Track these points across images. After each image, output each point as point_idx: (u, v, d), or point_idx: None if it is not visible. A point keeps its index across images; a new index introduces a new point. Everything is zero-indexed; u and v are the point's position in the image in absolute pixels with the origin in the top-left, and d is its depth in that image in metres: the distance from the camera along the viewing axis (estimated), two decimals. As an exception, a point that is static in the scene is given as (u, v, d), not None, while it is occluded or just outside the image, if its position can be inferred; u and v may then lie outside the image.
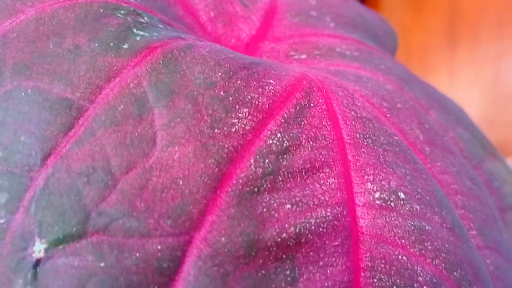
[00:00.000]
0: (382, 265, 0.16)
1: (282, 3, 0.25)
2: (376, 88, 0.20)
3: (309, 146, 0.16)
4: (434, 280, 0.16)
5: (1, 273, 0.13)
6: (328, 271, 0.15)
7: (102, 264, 0.13)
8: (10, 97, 0.15)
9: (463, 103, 1.21)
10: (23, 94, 0.15)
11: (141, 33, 0.16)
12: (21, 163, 0.14)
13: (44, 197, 0.14)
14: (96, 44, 0.16)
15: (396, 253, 0.16)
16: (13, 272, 0.13)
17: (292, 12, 0.25)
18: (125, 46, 0.16)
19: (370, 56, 0.24)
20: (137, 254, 0.14)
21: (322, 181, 0.16)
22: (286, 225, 0.15)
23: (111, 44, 0.16)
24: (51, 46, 0.16)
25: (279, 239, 0.15)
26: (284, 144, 0.16)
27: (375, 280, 0.16)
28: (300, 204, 0.15)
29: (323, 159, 0.16)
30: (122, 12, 0.17)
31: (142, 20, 0.17)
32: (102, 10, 0.17)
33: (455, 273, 0.17)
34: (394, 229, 0.16)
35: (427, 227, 0.17)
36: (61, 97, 0.15)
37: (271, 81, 0.17)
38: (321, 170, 0.16)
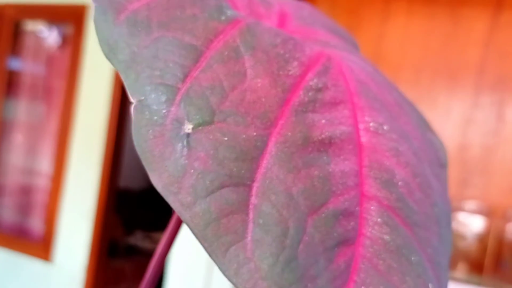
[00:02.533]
0: (375, 165, 0.27)
1: (288, 11, 0.37)
2: (363, 66, 0.32)
3: (332, 89, 0.28)
4: (405, 180, 0.28)
5: (168, 140, 0.23)
6: (346, 162, 0.26)
7: (225, 138, 0.24)
8: (158, 41, 0.25)
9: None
10: (167, 40, 0.25)
11: (229, 11, 0.27)
12: (171, 79, 0.24)
13: (188, 98, 0.24)
14: (206, 14, 0.27)
15: (383, 159, 0.28)
16: (174, 139, 0.23)
17: (296, 17, 0.37)
18: (223, 18, 0.27)
19: (352, 50, 0.36)
20: (243, 136, 0.24)
21: (340, 111, 0.27)
22: (323, 131, 0.26)
23: (215, 15, 0.27)
24: (178, 13, 0.26)
25: (319, 138, 0.26)
26: (318, 85, 0.27)
27: (371, 173, 0.27)
28: (329, 121, 0.27)
29: (340, 98, 0.28)
30: (213, 1, 0.28)
31: (226, 4, 0.28)
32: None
33: (417, 179, 0.29)
34: (381, 145, 0.28)
35: (400, 148, 0.29)
36: (190, 43, 0.25)
37: (307, 49, 0.29)
38: (339, 105, 0.28)
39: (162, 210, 5.33)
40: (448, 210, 0.32)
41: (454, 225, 1.48)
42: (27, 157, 2.86)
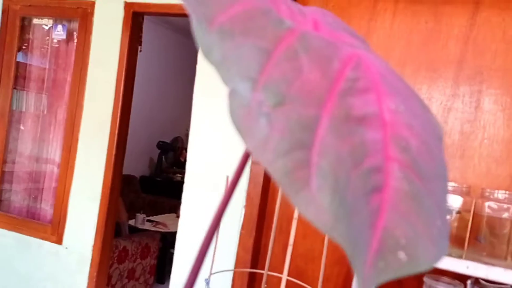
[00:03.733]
0: (395, 135, 0.36)
1: (318, 18, 0.45)
2: (379, 61, 0.41)
3: (363, 79, 0.36)
4: (416, 146, 0.36)
5: (254, 117, 0.31)
6: (375, 133, 0.35)
7: (293, 115, 0.32)
8: (241, 45, 0.33)
9: None
10: (247, 44, 0.33)
11: (288, 22, 0.36)
12: (253, 73, 0.32)
13: (265, 86, 0.32)
14: (272, 24, 0.35)
15: (401, 131, 0.36)
16: (258, 116, 0.31)
17: (324, 23, 0.45)
18: (284, 27, 0.35)
19: (367, 48, 0.45)
20: (305, 113, 0.32)
21: (369, 95, 0.36)
22: (359, 110, 0.34)
23: (278, 25, 0.35)
24: (252, 24, 0.34)
25: (357, 115, 0.34)
26: (353, 77, 0.36)
27: (392, 141, 0.35)
28: (363, 103, 0.35)
29: (369, 86, 0.36)
30: (274, 12, 0.36)
31: (283, 17, 0.36)
32: (267, 9, 0.36)
33: (424, 146, 0.37)
34: (399, 121, 0.36)
35: (412, 123, 0.37)
36: (263, 46, 0.34)
37: (343, 50, 0.37)
38: (368, 91, 0.36)
39: (160, 196, 5.42)
40: (445, 171, 0.40)
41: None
42: (37, 146, 2.91)
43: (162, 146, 5.72)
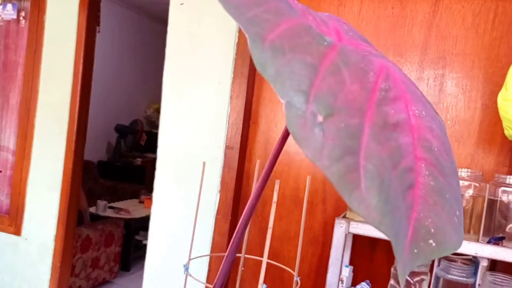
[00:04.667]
0: (421, 138, 0.41)
1: (337, 27, 0.50)
2: (397, 68, 0.46)
3: (393, 89, 0.41)
4: (437, 146, 0.42)
5: (309, 127, 0.36)
6: (406, 137, 0.40)
7: (342, 125, 0.37)
8: (292, 61, 0.38)
9: None
10: (296, 60, 0.38)
11: (328, 39, 0.40)
12: (304, 87, 0.37)
13: (316, 99, 0.37)
14: (316, 41, 0.39)
15: (425, 134, 0.42)
16: (313, 126, 0.36)
17: (343, 32, 0.50)
18: (325, 43, 0.40)
19: (381, 54, 0.50)
20: (351, 122, 0.37)
21: (399, 104, 0.41)
22: (393, 118, 0.40)
23: (320, 42, 0.39)
24: (299, 41, 0.39)
25: (391, 122, 0.39)
26: (386, 87, 0.41)
27: (419, 143, 0.41)
28: (395, 111, 0.40)
29: (398, 95, 0.41)
30: (313, 28, 0.41)
31: (322, 34, 0.41)
32: (307, 26, 0.40)
33: (443, 146, 0.43)
34: (422, 125, 0.42)
35: (432, 126, 0.43)
36: (310, 62, 0.38)
37: (375, 62, 0.42)
38: (398, 100, 0.41)
39: (120, 181, 5.38)
40: (456, 166, 0.46)
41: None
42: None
43: (121, 130, 5.65)
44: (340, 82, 0.38)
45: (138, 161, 5.59)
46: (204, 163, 1.74)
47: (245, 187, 2.11)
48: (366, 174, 0.36)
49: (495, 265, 1.76)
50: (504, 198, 1.59)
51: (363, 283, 1.77)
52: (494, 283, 1.56)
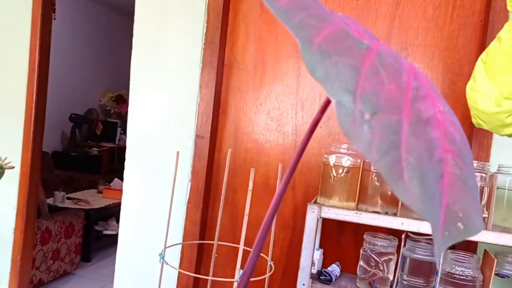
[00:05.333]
0: (446, 132, 0.45)
1: (360, 30, 0.54)
2: (421, 71, 0.50)
3: (422, 88, 0.45)
4: (459, 139, 0.46)
5: (358, 124, 0.39)
6: (435, 131, 0.44)
7: (386, 121, 0.40)
8: (338, 63, 0.41)
9: (307, 101, 1.72)
10: (342, 62, 0.41)
11: (366, 42, 0.43)
12: (351, 87, 0.40)
13: (362, 99, 0.40)
14: (356, 44, 0.42)
15: (449, 128, 0.46)
16: (361, 123, 0.39)
17: (362, 32, 0.53)
18: (364, 46, 0.43)
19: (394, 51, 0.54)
20: (393, 119, 0.41)
21: (427, 101, 0.45)
22: (425, 114, 0.43)
23: (360, 45, 0.43)
24: (342, 45, 0.42)
25: (424, 118, 0.43)
26: (416, 86, 0.44)
27: (445, 137, 0.45)
28: (425, 107, 0.44)
29: (426, 93, 0.45)
30: (351, 32, 0.44)
31: (361, 36, 0.44)
32: (345, 30, 0.43)
33: (463, 138, 0.47)
34: (446, 120, 0.46)
35: (453, 120, 0.47)
36: (353, 64, 0.41)
37: (404, 63, 0.45)
38: (426, 97, 0.45)
39: (76, 172, 5.27)
40: (472, 156, 0.51)
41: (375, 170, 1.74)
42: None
43: (75, 119, 5.53)
44: (380, 82, 0.42)
45: (94, 150, 5.49)
46: (178, 153, 1.76)
47: (216, 176, 2.13)
48: (408, 166, 0.40)
49: (454, 244, 1.86)
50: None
51: (334, 265, 1.84)
52: (456, 260, 1.66)
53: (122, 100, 5.78)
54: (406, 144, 0.40)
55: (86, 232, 4.06)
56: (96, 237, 4.31)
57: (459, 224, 0.43)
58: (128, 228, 2.16)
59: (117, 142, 5.72)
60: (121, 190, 4.75)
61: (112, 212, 4.53)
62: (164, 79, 2.11)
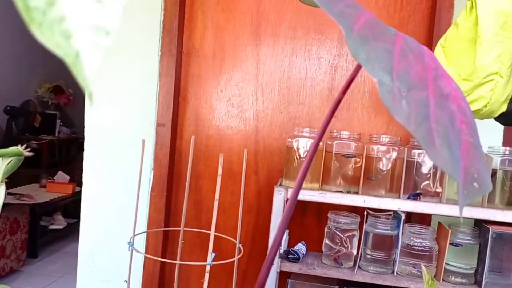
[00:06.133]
0: (459, 105, 0.53)
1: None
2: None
3: (439, 68, 0.52)
4: (469, 111, 0.54)
5: (397, 99, 0.46)
6: (453, 105, 0.51)
7: (418, 98, 0.47)
8: (375, 47, 0.47)
9: (267, 87, 1.83)
10: (379, 47, 0.47)
11: (393, 29, 0.50)
12: (388, 68, 0.47)
13: (398, 78, 0.47)
14: (386, 31, 0.49)
15: (461, 103, 0.53)
16: (400, 99, 0.46)
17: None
18: (393, 32, 0.49)
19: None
20: (422, 95, 0.48)
21: (444, 79, 0.52)
22: (445, 90, 0.51)
23: (389, 30, 0.49)
24: (376, 31, 0.48)
25: (445, 94, 0.50)
26: (435, 66, 0.52)
27: (460, 110, 0.53)
28: (444, 84, 0.51)
29: (442, 73, 0.53)
30: (380, 21, 0.50)
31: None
32: (377, 19, 0.50)
33: (470, 111, 0.55)
34: (458, 95, 0.54)
35: (463, 96, 0.55)
36: (387, 48, 0.48)
37: (422, 47, 0.52)
38: (443, 76, 0.52)
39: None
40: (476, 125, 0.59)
41: (337, 150, 1.83)
42: None
43: (11, 112, 5.31)
44: (409, 64, 0.48)
45: (33, 144, 5.31)
46: (143, 141, 1.78)
47: (178, 164, 2.16)
48: (438, 134, 0.47)
49: (410, 218, 2.00)
50: (419, 159, 1.81)
51: (300, 244, 1.92)
52: (413, 233, 1.79)
53: (60, 90, 5.62)
54: (435, 116, 0.48)
55: (32, 228, 3.96)
56: (42, 232, 4.21)
57: (475, 183, 0.50)
58: (89, 219, 2.15)
59: (56, 134, 5.56)
60: (65, 183, 4.66)
61: (57, 206, 4.43)
62: (122, 68, 2.10)
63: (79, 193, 4.81)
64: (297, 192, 0.62)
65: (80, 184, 4.92)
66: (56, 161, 5.25)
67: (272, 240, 1.78)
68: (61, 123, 5.60)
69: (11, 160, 0.58)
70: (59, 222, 4.32)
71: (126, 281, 1.78)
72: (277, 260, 1.78)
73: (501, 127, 1.92)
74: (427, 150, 0.46)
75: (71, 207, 4.83)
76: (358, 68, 0.54)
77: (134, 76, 2.09)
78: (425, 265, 1.77)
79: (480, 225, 1.79)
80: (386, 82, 0.46)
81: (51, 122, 5.56)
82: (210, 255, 1.68)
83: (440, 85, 0.50)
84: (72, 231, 4.58)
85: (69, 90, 5.60)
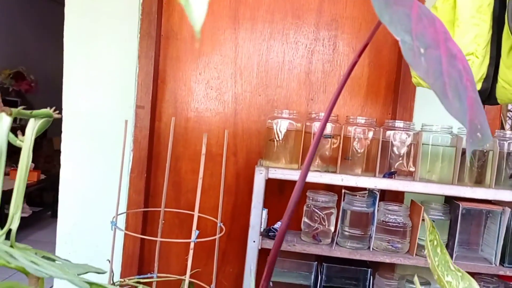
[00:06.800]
0: (464, 65, 0.60)
1: None
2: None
3: (447, 33, 0.60)
4: (469, 70, 0.62)
5: (417, 56, 0.53)
6: (461, 64, 0.59)
7: (433, 55, 0.54)
8: (397, 11, 0.54)
9: (245, 70, 1.91)
10: (399, 10, 0.54)
11: (409, -5, 0.57)
12: (408, 29, 0.53)
13: (417, 37, 0.54)
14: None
15: (464, 62, 0.61)
16: (419, 56, 0.53)
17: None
18: (410, -1, 0.56)
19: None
20: (436, 53, 0.55)
21: (452, 42, 0.60)
22: (454, 50, 0.58)
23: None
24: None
25: (453, 53, 0.58)
26: (444, 30, 0.59)
27: (464, 68, 0.60)
28: (452, 45, 0.59)
29: (449, 37, 0.60)
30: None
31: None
32: (395, -13, 0.57)
33: (468, 65, 0.63)
34: (462, 56, 0.61)
35: (465, 58, 0.62)
36: (407, 12, 0.55)
37: (433, 14, 0.60)
38: (450, 40, 0.60)
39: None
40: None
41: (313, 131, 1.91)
42: None
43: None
44: (424, 26, 0.55)
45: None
46: (126, 121, 1.81)
47: (157, 145, 2.20)
48: (450, 88, 0.54)
49: (383, 197, 2.10)
50: (393, 139, 1.91)
51: (279, 223, 2.00)
52: (388, 210, 1.89)
53: (21, 77, 5.50)
54: (447, 72, 0.55)
55: (-4, 217, 3.91)
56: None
57: (478, 133, 0.58)
58: (68, 201, 2.16)
59: (18, 122, 5.44)
60: (30, 171, 4.57)
61: (22, 195, 4.36)
62: (100, 51, 2.12)
63: (44, 180, 4.76)
64: (305, 175, 0.69)
65: (44, 171, 4.85)
66: (18, 149, 5.14)
67: (252, 218, 1.85)
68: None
69: (43, 121, 0.62)
70: (24, 211, 4.26)
71: (109, 260, 1.81)
72: (258, 238, 1.85)
73: (470, 109, 2.04)
74: (442, 101, 0.53)
75: (36, 195, 4.76)
76: (363, 48, 0.61)
77: (113, 59, 2.11)
78: (399, 241, 1.87)
79: (450, 202, 1.90)
80: (407, 42, 0.53)
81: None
82: (194, 233, 1.73)
83: (450, 46, 0.58)
84: (37, 219, 4.52)
85: (31, 76, 5.50)
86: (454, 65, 0.57)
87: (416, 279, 0.72)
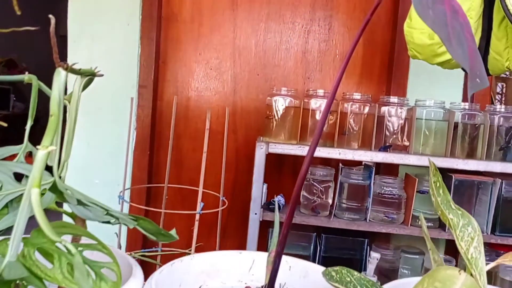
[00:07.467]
0: (465, 20, 0.69)
1: None
2: None
3: (456, 5, 0.68)
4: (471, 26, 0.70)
5: (426, 9, 0.61)
6: (466, 29, 0.67)
7: (440, 9, 0.62)
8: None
9: (244, 50, 2.02)
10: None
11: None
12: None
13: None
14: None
15: (465, 19, 0.69)
16: (427, 8, 0.61)
17: None
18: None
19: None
20: (444, 8, 0.63)
21: (461, 15, 0.68)
22: (455, 7, 0.66)
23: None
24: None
25: (455, 9, 0.66)
26: (454, 6, 0.67)
27: (465, 23, 0.69)
28: (455, 4, 0.67)
29: (458, 9, 0.68)
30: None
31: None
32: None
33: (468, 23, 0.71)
34: (463, 12, 0.69)
35: (467, 22, 0.71)
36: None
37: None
38: (459, 12, 0.68)
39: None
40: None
41: (311, 107, 1.99)
42: None
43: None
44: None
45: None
46: (132, 99, 1.88)
47: (159, 124, 2.27)
48: (453, 37, 0.62)
49: (379, 171, 2.19)
50: (389, 115, 2.00)
51: (279, 196, 2.08)
52: (384, 182, 1.98)
53: (13, 65, 5.51)
54: (451, 24, 0.63)
55: None
56: None
57: (477, 79, 0.67)
58: (72, 178, 2.22)
59: (11, 109, 5.46)
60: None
61: (17, 182, 4.40)
62: (103, 31, 2.17)
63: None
64: (313, 151, 0.76)
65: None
66: (11, 137, 5.17)
67: (254, 191, 1.93)
68: (14, 98, 5.50)
69: (87, 78, 0.69)
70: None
71: (117, 234, 1.89)
72: (259, 210, 1.93)
73: (461, 85, 2.14)
74: (447, 47, 0.62)
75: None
76: (363, 31, 0.69)
77: (116, 39, 2.17)
78: (394, 212, 1.97)
79: (444, 174, 2.00)
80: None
81: (4, 97, 5.46)
82: (199, 205, 1.81)
83: (453, 4, 0.66)
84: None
85: (23, 64, 5.51)
86: (457, 18, 0.65)
87: (421, 216, 0.80)
